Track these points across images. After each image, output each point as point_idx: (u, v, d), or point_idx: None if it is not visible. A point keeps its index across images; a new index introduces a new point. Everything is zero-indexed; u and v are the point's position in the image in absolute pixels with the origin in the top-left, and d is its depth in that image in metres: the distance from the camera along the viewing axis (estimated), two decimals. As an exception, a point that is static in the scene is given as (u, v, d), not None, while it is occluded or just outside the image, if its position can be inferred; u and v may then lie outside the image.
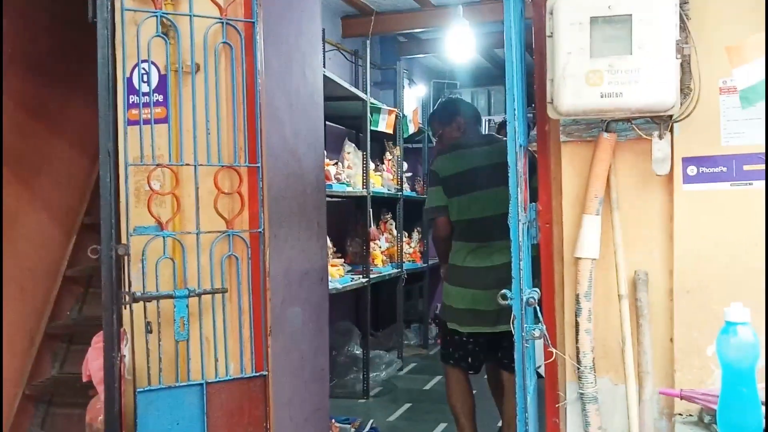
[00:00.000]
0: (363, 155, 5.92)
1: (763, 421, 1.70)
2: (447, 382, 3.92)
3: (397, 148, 6.88)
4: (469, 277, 3.69)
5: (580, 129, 2.16)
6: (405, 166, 7.06)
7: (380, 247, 6.57)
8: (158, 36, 2.52)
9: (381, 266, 6.37)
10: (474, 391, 3.90)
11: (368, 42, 6.17)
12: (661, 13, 1.92)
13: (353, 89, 5.61)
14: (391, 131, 6.49)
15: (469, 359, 3.81)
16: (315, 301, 3.38)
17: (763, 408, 1.72)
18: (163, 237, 2.52)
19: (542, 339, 2.06)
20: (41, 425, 3.65)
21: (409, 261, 7.18)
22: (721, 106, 2.05)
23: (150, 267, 2.50)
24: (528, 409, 2.01)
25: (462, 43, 6.64)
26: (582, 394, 2.12)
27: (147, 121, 2.52)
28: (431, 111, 4.52)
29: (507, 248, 3.53)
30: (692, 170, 2.07)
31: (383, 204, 7.01)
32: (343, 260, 5.78)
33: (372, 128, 6.04)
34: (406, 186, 7.08)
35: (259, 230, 2.65)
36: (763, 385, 1.79)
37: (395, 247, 6.82)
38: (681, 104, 2.01)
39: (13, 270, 3.53)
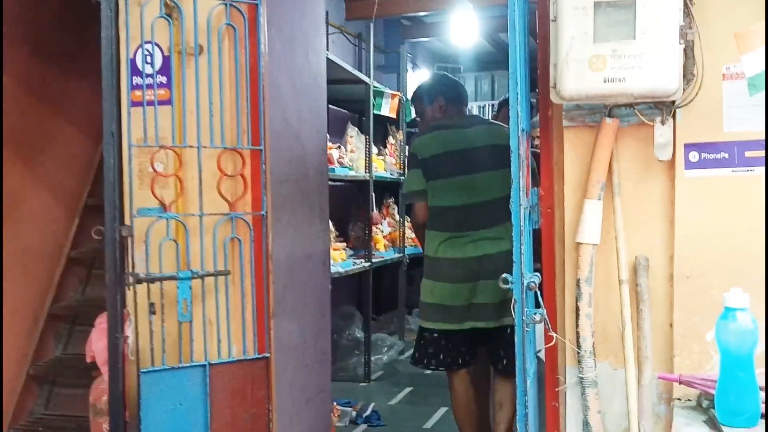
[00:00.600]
0: (366, 139, 5.91)
1: (762, 406, 1.71)
2: (450, 391, 3.58)
3: (400, 132, 6.86)
4: (440, 269, 3.42)
5: (582, 114, 2.16)
6: (407, 150, 7.05)
7: (382, 232, 6.56)
8: (162, 17, 2.51)
9: (383, 251, 6.37)
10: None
11: (372, 25, 6.14)
12: (665, -1, 1.92)
13: (356, 72, 5.60)
14: (394, 115, 6.48)
15: (441, 356, 3.48)
16: (317, 285, 3.39)
17: (763, 393, 1.74)
18: (167, 219, 2.53)
19: (543, 323, 2.08)
20: (45, 405, 3.68)
21: (411, 246, 7.18)
22: (724, 92, 2.05)
23: (153, 248, 2.51)
24: (528, 393, 2.03)
25: (466, 26, 6.63)
26: (582, 378, 2.13)
27: (150, 103, 2.52)
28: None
29: (483, 240, 3.42)
30: (694, 156, 2.08)
31: (386, 188, 7.00)
32: (345, 244, 5.79)
33: (375, 112, 6.02)
34: (408, 170, 7.06)
35: (262, 213, 2.66)
36: (762, 370, 1.80)
37: (397, 232, 6.82)
38: (684, 90, 2.01)
39: (17, 251, 3.55)
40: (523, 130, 2.07)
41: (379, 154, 6.51)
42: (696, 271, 2.08)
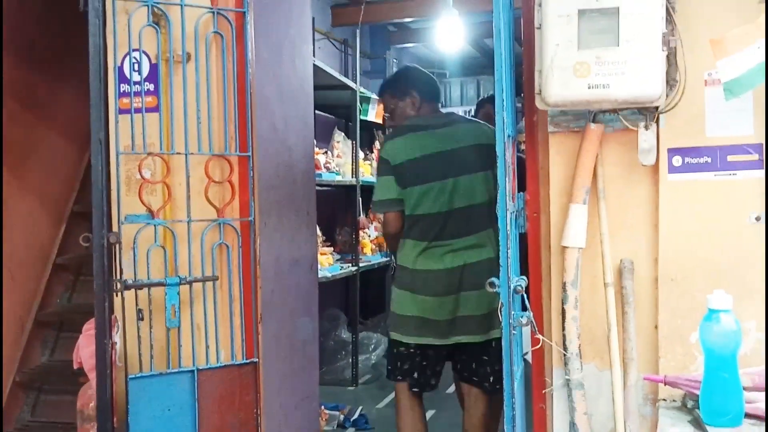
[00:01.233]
0: (352, 144, 5.92)
1: (762, 406, 1.73)
2: (396, 404, 3.45)
3: (386, 137, 6.86)
4: (419, 281, 3.20)
5: (567, 120, 2.19)
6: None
7: (369, 236, 6.57)
8: (149, 25, 2.52)
9: (370, 255, 6.38)
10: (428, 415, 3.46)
11: (358, 31, 6.16)
12: (648, 6, 1.95)
13: (343, 78, 5.61)
14: (380, 120, 6.49)
15: (416, 374, 3.30)
16: (305, 290, 3.40)
17: (763, 393, 1.76)
18: (154, 225, 2.53)
19: (529, 326, 2.09)
20: (31, 412, 3.67)
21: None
22: (706, 98, 2.08)
23: (141, 255, 2.52)
24: (515, 395, 2.05)
25: (451, 32, 6.64)
26: (568, 380, 2.15)
27: (138, 110, 2.53)
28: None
29: (464, 249, 3.24)
30: (677, 161, 2.10)
31: (372, 193, 7.00)
32: (332, 249, 5.80)
33: (361, 117, 6.03)
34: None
35: (250, 219, 2.66)
36: (747, 370, 1.83)
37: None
38: (667, 96, 2.04)
39: (3, 257, 3.53)
40: (509, 136, 2.09)
41: (365, 159, 6.51)
42: (680, 274, 2.11)
